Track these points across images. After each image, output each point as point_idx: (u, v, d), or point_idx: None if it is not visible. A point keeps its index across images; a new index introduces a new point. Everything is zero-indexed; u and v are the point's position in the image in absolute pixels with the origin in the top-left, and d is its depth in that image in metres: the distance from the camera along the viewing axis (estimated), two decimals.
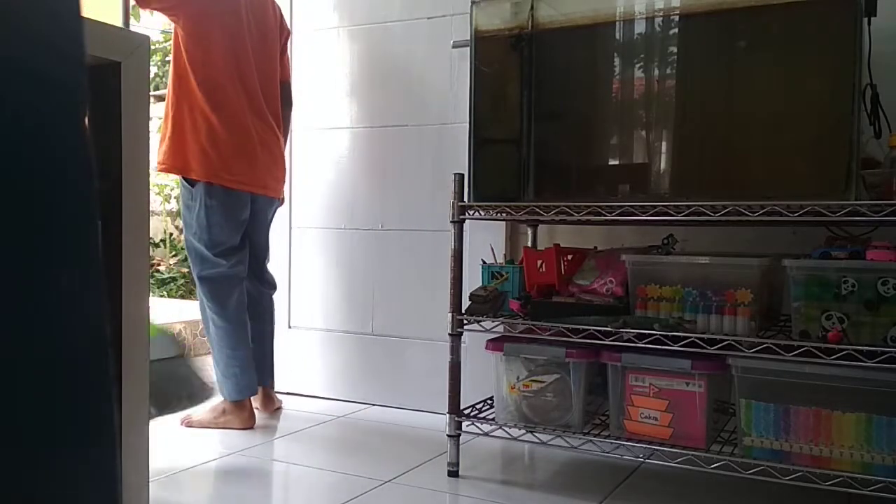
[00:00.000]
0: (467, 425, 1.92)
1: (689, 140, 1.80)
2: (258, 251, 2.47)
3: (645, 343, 1.66)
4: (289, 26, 2.57)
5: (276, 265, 2.84)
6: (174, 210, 4.81)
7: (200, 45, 2.22)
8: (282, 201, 2.56)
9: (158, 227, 5.05)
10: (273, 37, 2.43)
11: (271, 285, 2.55)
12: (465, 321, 1.91)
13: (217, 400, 2.41)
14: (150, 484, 0.98)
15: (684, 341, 1.62)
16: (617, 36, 1.84)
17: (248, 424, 2.34)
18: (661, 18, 1.78)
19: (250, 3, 2.34)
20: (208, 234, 2.27)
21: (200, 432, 2.30)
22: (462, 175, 1.92)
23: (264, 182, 2.35)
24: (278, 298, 2.83)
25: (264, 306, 2.52)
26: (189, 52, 2.21)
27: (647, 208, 1.67)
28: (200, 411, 2.40)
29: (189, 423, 2.34)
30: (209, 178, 2.22)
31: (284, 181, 2.51)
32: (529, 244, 2.29)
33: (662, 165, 1.81)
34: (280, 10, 2.51)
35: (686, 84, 1.78)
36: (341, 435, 2.32)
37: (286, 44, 2.53)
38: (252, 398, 2.43)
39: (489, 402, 2.05)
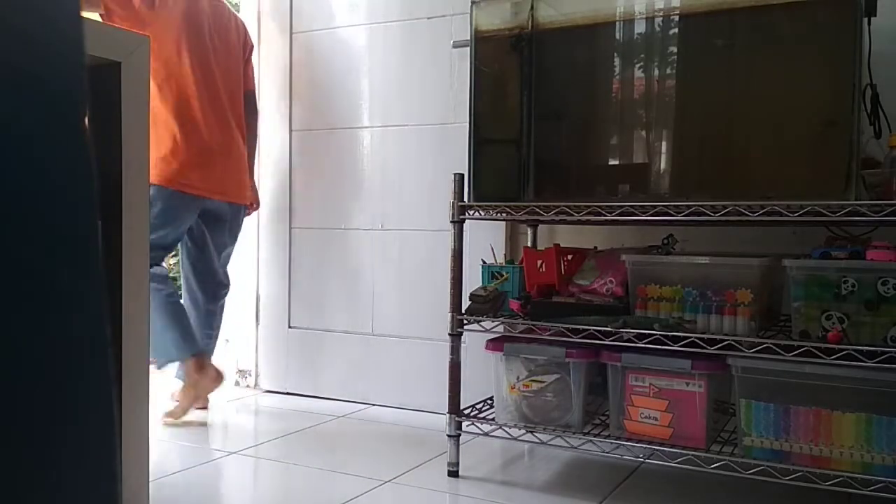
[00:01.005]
0: (467, 425, 1.93)
1: (689, 140, 1.80)
2: (217, 252, 2.53)
3: (645, 343, 1.66)
4: (253, 41, 2.65)
5: (276, 265, 2.84)
6: None
7: (163, 59, 2.29)
8: (254, 206, 2.66)
9: None
10: (236, 51, 2.52)
11: (224, 285, 2.59)
12: (465, 321, 1.91)
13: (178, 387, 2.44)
14: (150, 484, 0.98)
15: (684, 341, 1.62)
16: (617, 36, 1.84)
17: (218, 382, 2.41)
18: (661, 18, 1.78)
19: (213, 17, 2.41)
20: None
21: (201, 432, 2.30)
22: (462, 175, 1.92)
23: (223, 188, 2.42)
24: (279, 298, 2.84)
25: (209, 311, 2.55)
26: (152, 66, 2.25)
27: (647, 208, 1.67)
28: (173, 405, 2.41)
29: (171, 416, 2.35)
30: (164, 183, 2.29)
31: (250, 186, 2.59)
32: (529, 244, 2.29)
33: (662, 165, 1.81)
34: (244, 25, 2.60)
35: (686, 84, 1.77)
36: (341, 435, 2.32)
37: (250, 56, 2.63)
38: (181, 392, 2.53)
39: (489, 402, 2.05)
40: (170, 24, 2.29)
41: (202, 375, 2.38)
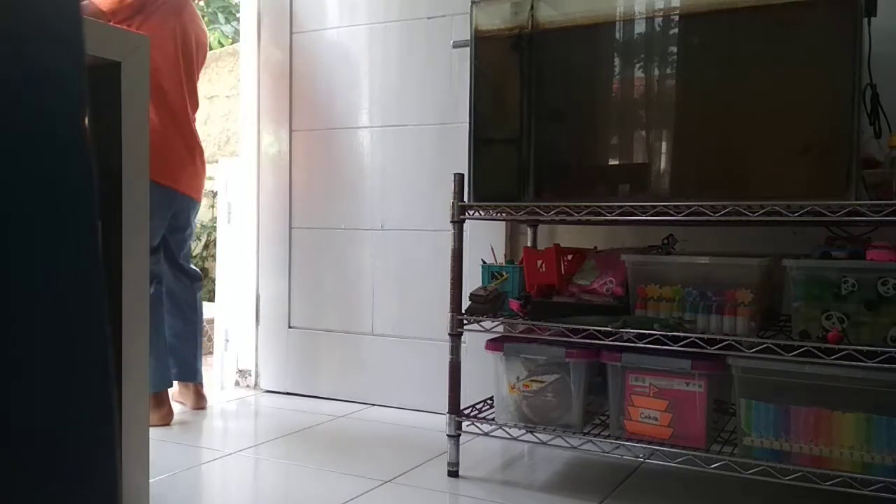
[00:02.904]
0: (467, 425, 1.92)
1: (689, 140, 1.80)
2: (179, 246, 2.52)
3: (645, 343, 1.66)
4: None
5: (276, 265, 2.84)
6: None
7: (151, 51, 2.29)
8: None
9: None
10: (204, 50, 2.53)
11: (195, 277, 2.58)
12: (465, 321, 1.91)
13: None
14: (150, 484, 0.98)
15: (684, 341, 1.62)
16: (617, 36, 1.84)
17: (166, 421, 2.36)
18: (661, 18, 1.78)
19: (189, 16, 2.43)
20: None
21: (201, 431, 2.29)
22: (462, 175, 1.92)
23: (190, 183, 2.44)
24: (278, 298, 2.84)
25: (188, 302, 2.54)
26: None
27: (647, 208, 1.67)
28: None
29: None
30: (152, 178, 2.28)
31: (203, 186, 2.59)
32: (529, 244, 2.29)
33: (662, 165, 1.81)
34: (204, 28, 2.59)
35: (686, 84, 1.77)
36: (341, 435, 2.32)
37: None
38: (181, 395, 2.55)
39: (489, 402, 2.05)
40: (159, 17, 2.30)
41: (154, 411, 2.34)
